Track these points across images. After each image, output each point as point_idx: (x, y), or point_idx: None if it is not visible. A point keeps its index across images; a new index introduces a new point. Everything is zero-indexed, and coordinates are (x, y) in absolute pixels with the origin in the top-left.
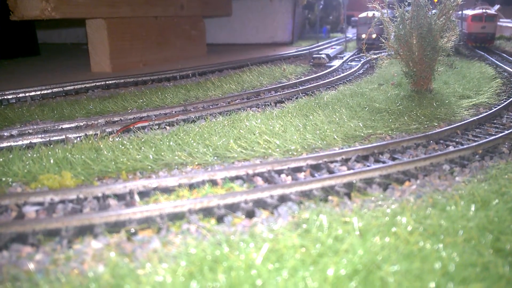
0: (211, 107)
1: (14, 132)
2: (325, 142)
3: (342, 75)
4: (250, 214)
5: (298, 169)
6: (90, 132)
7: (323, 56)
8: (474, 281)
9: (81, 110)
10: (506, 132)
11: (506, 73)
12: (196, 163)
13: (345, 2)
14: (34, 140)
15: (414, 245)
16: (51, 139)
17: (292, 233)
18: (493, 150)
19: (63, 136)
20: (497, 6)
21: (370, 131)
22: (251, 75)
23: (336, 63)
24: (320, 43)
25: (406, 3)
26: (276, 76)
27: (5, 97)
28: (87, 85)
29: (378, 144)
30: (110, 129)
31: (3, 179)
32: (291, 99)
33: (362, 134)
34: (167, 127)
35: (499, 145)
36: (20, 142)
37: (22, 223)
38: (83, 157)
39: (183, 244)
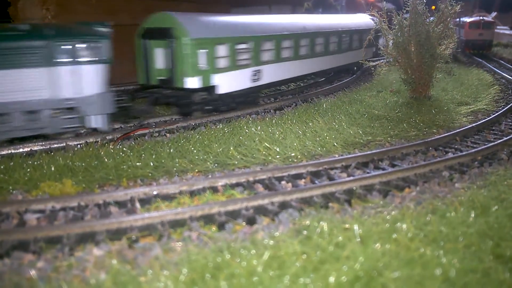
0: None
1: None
2: (324, 149)
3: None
4: (251, 221)
5: (299, 176)
6: (91, 140)
7: None
8: (474, 287)
9: None
10: (505, 138)
11: (504, 80)
12: (197, 170)
13: (343, 10)
14: (35, 148)
15: (415, 252)
16: (52, 146)
17: (293, 240)
18: (492, 156)
19: (64, 144)
20: (494, 14)
21: (370, 138)
22: None
23: None
24: None
25: (405, 11)
26: None
27: None
28: None
29: (378, 151)
30: (110, 137)
31: (4, 186)
32: (290, 106)
33: (362, 141)
34: (167, 134)
35: (498, 151)
36: (20, 150)
37: (24, 231)
38: (83, 164)
39: (184, 251)
